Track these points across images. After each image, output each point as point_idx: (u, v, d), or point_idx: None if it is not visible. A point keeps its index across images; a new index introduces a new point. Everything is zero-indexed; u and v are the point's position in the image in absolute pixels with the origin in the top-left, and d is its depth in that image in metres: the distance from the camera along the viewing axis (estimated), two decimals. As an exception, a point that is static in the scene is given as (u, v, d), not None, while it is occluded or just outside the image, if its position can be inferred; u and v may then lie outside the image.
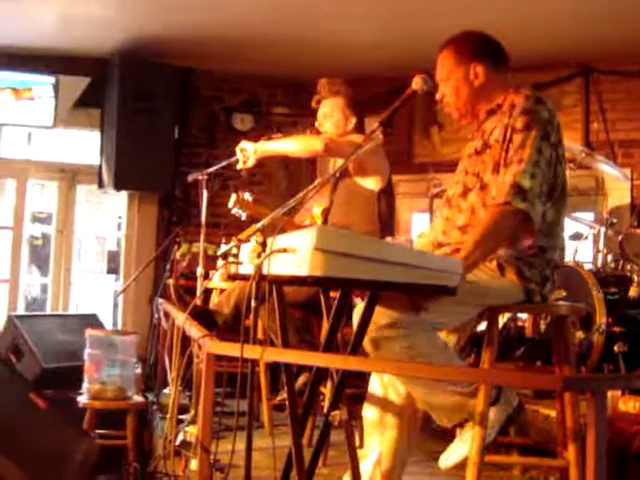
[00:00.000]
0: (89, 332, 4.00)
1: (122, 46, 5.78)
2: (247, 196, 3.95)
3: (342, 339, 2.75)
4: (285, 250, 2.08)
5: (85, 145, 6.42)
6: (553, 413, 2.92)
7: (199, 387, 3.03)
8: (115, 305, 6.49)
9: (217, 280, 4.33)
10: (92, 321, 4.97)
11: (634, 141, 5.62)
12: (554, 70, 5.76)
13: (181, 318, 3.07)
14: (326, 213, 3.92)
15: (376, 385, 2.63)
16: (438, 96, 2.74)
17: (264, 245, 2.16)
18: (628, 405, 3.31)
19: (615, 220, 4.55)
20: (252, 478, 2.25)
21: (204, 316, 3.78)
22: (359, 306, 2.32)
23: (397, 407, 2.58)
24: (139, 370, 4.47)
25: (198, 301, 3.92)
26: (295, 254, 2.04)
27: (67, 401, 4.01)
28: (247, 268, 2.31)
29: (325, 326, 2.76)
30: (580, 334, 3.81)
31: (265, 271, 2.15)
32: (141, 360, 4.73)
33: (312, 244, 1.95)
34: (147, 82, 5.86)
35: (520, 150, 2.44)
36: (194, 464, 3.00)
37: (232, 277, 3.01)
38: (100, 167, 6.06)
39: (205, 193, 4.13)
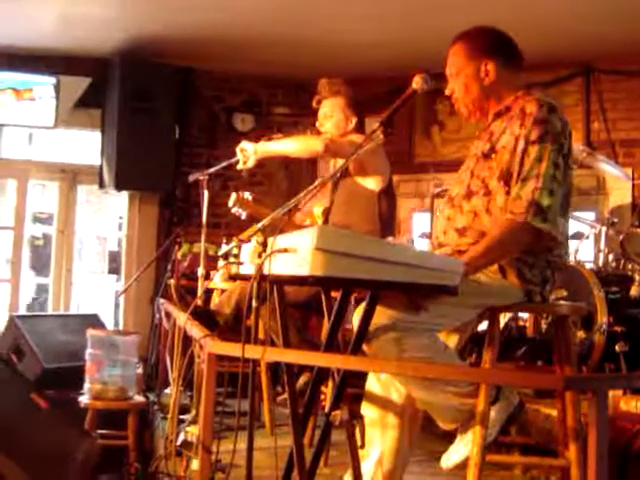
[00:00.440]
0: (90, 332, 4.00)
1: (123, 46, 5.78)
2: (247, 195, 3.95)
3: (343, 339, 2.76)
4: (286, 250, 2.08)
5: (86, 145, 6.43)
6: (554, 412, 2.92)
7: (200, 387, 3.04)
8: (116, 305, 6.50)
9: (218, 280, 4.33)
10: (93, 321, 4.97)
11: (635, 140, 5.62)
12: (555, 69, 5.76)
13: (182, 318, 3.07)
14: (327, 213, 3.92)
15: (375, 384, 2.62)
16: (447, 91, 2.70)
17: (265, 245, 2.16)
18: (629, 405, 3.31)
19: (616, 219, 4.55)
20: (253, 478, 2.25)
21: (205, 316, 3.78)
22: (360, 306, 2.31)
23: (398, 407, 2.57)
24: (140, 370, 4.47)
25: (199, 301, 3.92)
26: (296, 254, 2.04)
27: (68, 401, 4.01)
28: (248, 268, 2.31)
29: (326, 326, 2.76)
30: (581, 334, 3.81)
31: (266, 271, 2.15)
32: (142, 360, 4.73)
33: (313, 244, 1.96)
34: (148, 82, 5.86)
35: (537, 164, 2.41)
36: (195, 464, 3.00)
37: (233, 277, 3.01)
38: (101, 167, 6.07)
39: (206, 193, 4.13)
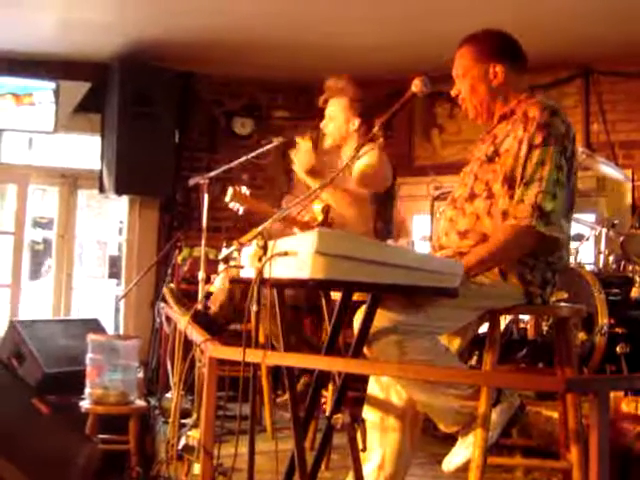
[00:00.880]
0: (91, 337, 4.00)
1: (122, 51, 5.79)
2: (244, 190, 3.93)
3: (344, 342, 2.75)
4: (286, 253, 2.09)
5: (86, 150, 6.43)
6: (555, 415, 2.92)
7: (201, 391, 3.03)
8: (117, 310, 6.50)
9: (218, 284, 4.33)
10: (94, 326, 4.97)
11: (635, 142, 5.62)
12: (554, 71, 5.77)
13: (183, 322, 3.07)
14: (326, 211, 3.91)
15: (375, 387, 2.62)
16: (453, 92, 2.71)
17: (265, 249, 2.16)
18: (631, 406, 3.31)
19: (616, 221, 4.55)
20: (255, 482, 2.25)
21: (206, 321, 3.78)
22: (360, 310, 2.31)
23: (399, 409, 2.57)
24: (141, 374, 4.47)
25: (199, 306, 3.91)
26: (296, 257, 2.04)
27: (69, 406, 4.00)
28: (248, 272, 2.31)
29: (327, 329, 2.76)
30: (582, 335, 3.81)
31: (266, 275, 2.15)
32: (143, 364, 4.73)
33: (313, 247, 1.96)
34: (147, 87, 5.87)
35: (540, 168, 2.42)
36: (197, 468, 3.00)
37: (233, 281, 3.01)
38: (101, 172, 6.07)
39: (206, 197, 4.12)
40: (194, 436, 3.21)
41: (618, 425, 3.06)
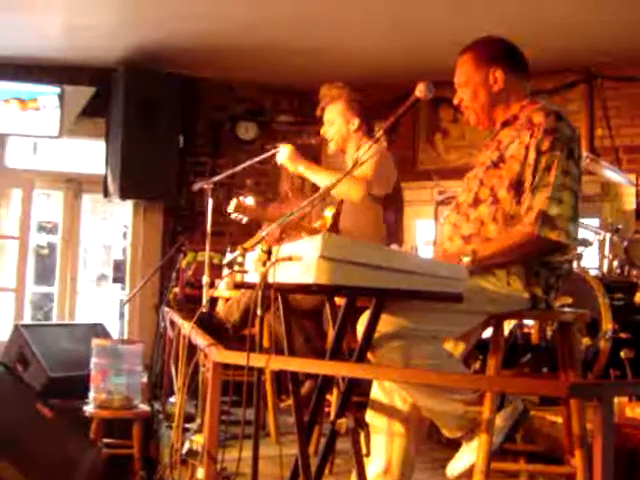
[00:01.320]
0: (95, 341, 4.01)
1: (127, 56, 5.80)
2: (249, 200, 3.94)
3: (348, 347, 2.75)
4: (290, 258, 2.09)
5: (90, 155, 6.44)
6: (560, 420, 2.91)
7: (205, 396, 3.04)
8: (121, 314, 6.50)
9: (223, 289, 4.34)
10: (98, 330, 4.98)
11: (639, 147, 5.62)
12: (558, 76, 5.77)
13: (187, 327, 3.07)
14: (336, 217, 3.91)
15: (379, 392, 2.62)
16: (456, 100, 2.72)
17: (269, 253, 2.17)
18: (635, 411, 3.30)
19: (620, 226, 4.54)
20: (259, 487, 2.25)
21: (213, 325, 3.79)
22: (364, 314, 2.32)
23: (403, 414, 2.57)
24: (145, 379, 4.47)
25: (204, 310, 3.92)
26: (301, 262, 2.05)
27: (73, 410, 4.01)
28: (253, 277, 2.31)
29: (331, 334, 2.76)
30: (586, 340, 3.80)
31: (271, 279, 2.16)
32: (147, 369, 4.73)
33: (318, 252, 1.96)
34: (152, 92, 5.89)
35: (546, 173, 2.44)
36: (201, 473, 3.00)
37: (238, 286, 3.01)
38: (105, 176, 6.09)
39: (210, 202, 4.13)
40: (198, 441, 3.21)
41: (622, 430, 3.06)
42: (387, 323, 2.28)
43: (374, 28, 5.20)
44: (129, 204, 6.38)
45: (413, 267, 2.10)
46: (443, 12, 4.87)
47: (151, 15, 5.12)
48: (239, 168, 4.14)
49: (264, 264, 2.16)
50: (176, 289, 5.11)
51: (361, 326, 2.32)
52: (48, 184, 6.37)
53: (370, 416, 2.61)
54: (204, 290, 4.11)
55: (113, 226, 6.87)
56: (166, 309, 4.46)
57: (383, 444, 2.57)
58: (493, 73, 2.64)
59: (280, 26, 5.26)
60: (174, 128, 6.12)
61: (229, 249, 4.86)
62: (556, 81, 5.78)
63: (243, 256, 2.38)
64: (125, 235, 6.70)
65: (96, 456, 3.33)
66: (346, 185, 3.61)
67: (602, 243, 4.52)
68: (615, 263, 4.44)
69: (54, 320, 6.21)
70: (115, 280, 6.89)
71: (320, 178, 3.75)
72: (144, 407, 4.05)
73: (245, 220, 3.95)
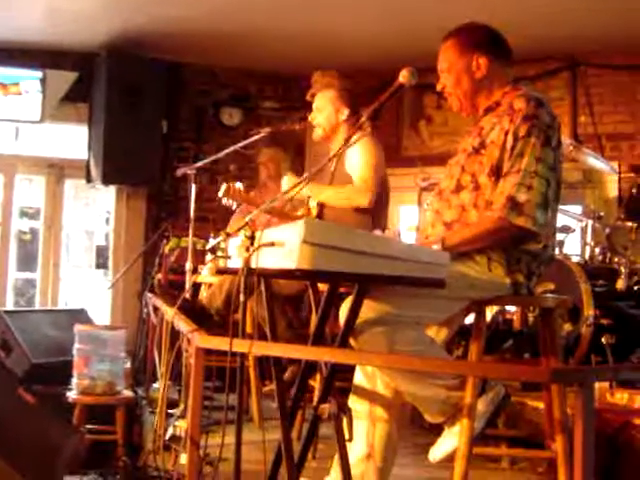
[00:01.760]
0: (78, 327, 3.99)
1: (109, 41, 5.76)
2: (238, 185, 3.93)
3: (331, 332, 2.76)
4: (273, 244, 2.09)
5: (73, 140, 6.40)
6: (541, 405, 2.94)
7: (188, 381, 3.04)
8: (104, 300, 6.48)
9: (206, 274, 4.33)
10: (81, 316, 4.95)
11: (621, 134, 5.65)
12: (541, 63, 5.78)
13: (170, 312, 3.07)
14: (322, 205, 3.91)
15: (362, 377, 2.63)
16: (439, 87, 2.72)
17: (252, 239, 2.16)
18: (616, 397, 3.33)
19: (602, 213, 4.57)
20: (242, 472, 2.26)
21: (196, 310, 3.78)
22: (346, 300, 2.32)
23: (385, 399, 2.58)
24: (128, 365, 4.46)
25: (187, 295, 3.91)
26: (283, 247, 2.04)
27: (56, 396, 3.99)
28: (236, 262, 2.31)
29: (314, 319, 2.77)
30: (568, 326, 3.83)
31: (253, 265, 2.16)
32: (130, 355, 4.72)
33: (300, 237, 1.96)
34: (135, 77, 5.85)
35: (519, 159, 2.45)
36: (184, 458, 3.00)
37: (221, 271, 3.01)
38: (88, 162, 6.06)
39: (194, 187, 4.12)
40: (181, 426, 3.22)
41: (603, 415, 3.08)
42: (370, 309, 2.28)
43: (361, 14, 5.19)
44: (112, 189, 6.35)
45: (396, 253, 2.10)
46: (428, 1, 4.88)
47: (134, 0, 5.08)
48: (222, 154, 4.13)
49: (247, 249, 2.16)
50: (159, 275, 5.09)
51: (343, 312, 2.33)
52: (30, 169, 6.32)
53: (352, 401, 2.62)
54: (187, 276, 4.10)
55: (96, 212, 6.83)
56: (149, 295, 4.44)
57: (365, 429, 2.59)
58: (476, 59, 2.64)
59: (265, 11, 5.23)
60: (157, 113, 6.08)
61: (212, 234, 4.85)
62: (539, 68, 5.79)
63: (226, 241, 2.38)
64: (108, 221, 6.67)
65: (79, 442, 3.32)
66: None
67: (584, 230, 4.55)
68: (597, 250, 4.47)
69: (37, 306, 6.18)
70: (98, 266, 6.85)
71: (327, 196, 3.74)
72: (127, 393, 4.03)
73: (235, 205, 3.94)
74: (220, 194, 3.84)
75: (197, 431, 2.65)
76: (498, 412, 2.50)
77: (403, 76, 2.55)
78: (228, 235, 2.37)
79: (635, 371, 2.50)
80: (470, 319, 2.60)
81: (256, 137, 4.06)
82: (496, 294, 2.51)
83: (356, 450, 2.59)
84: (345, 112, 3.90)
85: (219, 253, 3.71)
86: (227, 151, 4.11)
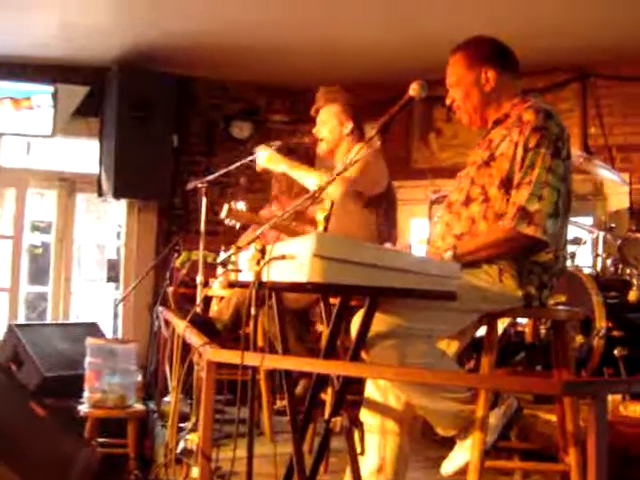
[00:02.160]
0: (89, 341, 4.00)
1: (121, 55, 5.79)
2: (240, 205, 3.95)
3: (343, 345, 2.76)
4: (284, 257, 2.09)
5: (84, 154, 6.43)
6: (554, 418, 2.92)
7: (200, 395, 3.04)
8: (115, 313, 6.50)
9: (217, 288, 4.33)
10: (93, 330, 4.97)
11: (632, 145, 5.63)
12: (551, 75, 5.78)
13: (181, 326, 3.07)
14: (328, 219, 3.92)
15: (374, 391, 2.63)
16: (448, 101, 2.74)
17: (263, 252, 2.17)
18: (629, 409, 3.31)
19: (614, 224, 4.56)
20: (253, 485, 2.25)
21: (204, 324, 3.78)
22: (358, 313, 2.32)
23: (397, 413, 2.58)
24: (140, 378, 4.47)
25: (198, 309, 3.92)
26: (294, 261, 2.05)
27: (68, 410, 4.00)
28: (246, 275, 2.31)
29: (325, 333, 2.77)
30: (580, 338, 3.82)
31: (264, 278, 2.16)
32: (142, 368, 4.73)
33: (311, 251, 1.96)
34: (146, 91, 5.88)
35: (529, 170, 2.46)
36: (195, 472, 3.00)
37: (232, 285, 3.01)
38: (99, 176, 6.08)
39: (204, 201, 4.13)
40: (192, 440, 3.21)
41: (616, 428, 3.07)
42: (381, 322, 2.28)
43: (368, 28, 5.20)
44: (123, 203, 6.37)
45: (406, 265, 2.10)
46: (437, 11, 4.87)
47: (145, 14, 5.11)
48: (233, 167, 4.14)
49: (258, 263, 2.16)
50: (170, 288, 5.10)
51: (355, 325, 2.33)
52: (42, 183, 6.35)
53: (364, 414, 2.62)
54: (198, 289, 4.10)
55: (107, 225, 6.86)
56: (160, 308, 4.45)
57: (377, 442, 2.58)
58: (485, 73, 2.65)
59: (274, 26, 5.25)
60: (168, 127, 6.11)
61: (223, 248, 4.86)
62: (548, 80, 5.79)
63: (237, 255, 2.38)
64: (119, 234, 6.69)
65: (91, 455, 3.33)
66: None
67: (595, 241, 4.53)
68: (609, 261, 4.45)
69: (48, 320, 6.20)
70: (109, 279, 6.88)
71: (302, 176, 3.76)
72: (138, 406, 4.04)
73: (238, 225, 3.96)
74: (222, 215, 3.86)
75: (208, 444, 2.65)
76: (510, 425, 2.49)
77: (413, 89, 2.56)
78: (239, 249, 2.37)
79: (648, 383, 2.48)
80: (482, 332, 2.59)
81: (251, 157, 4.07)
82: (508, 306, 2.51)
83: (368, 463, 2.58)
84: (349, 126, 3.92)
85: (230, 266, 3.72)
86: (237, 164, 4.12)
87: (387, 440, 2.58)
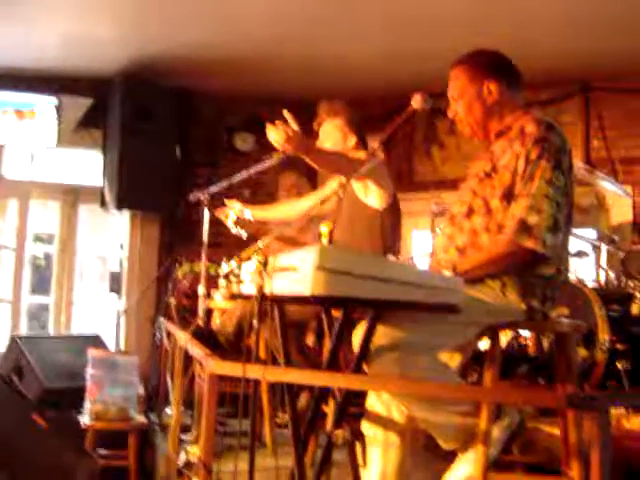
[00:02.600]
0: (91, 352, 4.00)
1: (124, 67, 5.81)
2: (248, 215, 3.94)
3: (345, 358, 2.75)
4: (287, 269, 2.09)
5: (87, 165, 6.44)
6: (557, 431, 2.91)
7: (201, 407, 3.03)
8: (117, 325, 6.48)
9: (219, 299, 4.33)
10: (95, 341, 4.97)
11: (634, 158, 5.63)
12: (553, 88, 5.79)
13: (183, 338, 3.07)
14: (332, 232, 3.91)
15: (376, 403, 2.62)
16: (450, 114, 2.74)
17: (266, 264, 2.17)
18: (632, 423, 3.30)
19: (617, 237, 4.55)
20: (255, 498, 2.24)
21: (207, 336, 3.78)
22: (360, 326, 2.31)
23: (400, 426, 2.57)
24: (141, 390, 4.46)
25: (200, 321, 3.91)
26: (297, 273, 2.04)
27: (69, 421, 4.00)
28: (249, 287, 2.31)
29: (327, 345, 2.76)
30: (583, 351, 3.80)
31: (267, 290, 2.16)
32: (143, 380, 4.72)
33: (314, 263, 1.96)
34: (149, 102, 5.90)
35: (529, 182, 2.46)
36: (196, 484, 2.98)
37: (234, 296, 3.00)
38: (102, 187, 6.09)
39: (207, 213, 4.13)
40: (194, 452, 3.20)
41: (619, 442, 3.05)
42: (383, 335, 2.27)
43: (371, 40, 5.22)
44: (126, 215, 6.37)
45: (409, 278, 2.10)
46: (439, 25, 4.89)
47: (149, 27, 5.13)
48: (236, 179, 4.14)
49: (260, 275, 2.16)
50: (172, 300, 5.10)
51: (357, 337, 2.32)
52: (45, 194, 6.36)
53: (365, 427, 2.61)
54: (200, 301, 4.10)
55: (110, 237, 6.86)
56: (162, 320, 4.45)
57: (379, 455, 2.57)
58: (487, 85, 2.65)
59: (278, 38, 5.27)
60: (171, 139, 6.12)
61: (225, 260, 4.85)
62: (551, 93, 5.80)
63: (239, 267, 2.38)
64: (122, 246, 6.69)
65: (92, 467, 3.32)
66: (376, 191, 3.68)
67: (598, 254, 4.53)
68: (612, 274, 4.44)
69: (50, 331, 6.20)
70: (111, 291, 6.87)
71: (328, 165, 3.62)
72: (140, 418, 4.04)
73: (246, 235, 3.96)
74: (229, 224, 3.86)
75: (210, 457, 2.64)
76: (513, 438, 2.49)
77: (416, 101, 2.57)
78: (241, 260, 2.37)
79: (651, 397, 2.48)
80: (484, 344, 2.58)
81: (270, 162, 4.07)
82: (511, 319, 2.50)
83: (369, 476, 2.57)
84: (353, 140, 3.92)
85: (232, 278, 3.72)
86: (240, 176, 4.13)
87: (389, 453, 2.57)
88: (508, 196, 2.50)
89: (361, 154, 3.84)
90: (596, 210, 5.48)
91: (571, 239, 2.68)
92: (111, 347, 5.66)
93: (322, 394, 2.43)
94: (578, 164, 4.73)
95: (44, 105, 5.95)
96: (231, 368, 2.42)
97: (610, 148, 5.69)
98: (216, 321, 4.36)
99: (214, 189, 4.21)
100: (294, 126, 3.22)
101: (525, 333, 3.93)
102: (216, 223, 4.30)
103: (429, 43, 5.13)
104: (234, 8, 4.83)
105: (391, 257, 2.86)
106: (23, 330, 6.09)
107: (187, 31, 5.16)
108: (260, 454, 3.59)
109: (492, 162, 2.59)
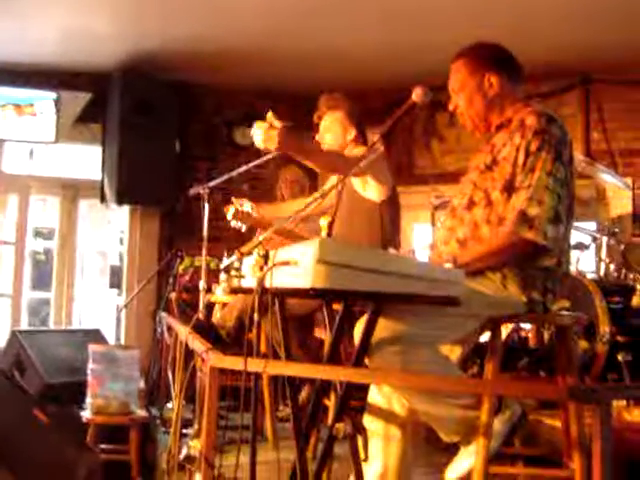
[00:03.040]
0: (92, 347, 3.99)
1: (123, 61, 5.80)
2: (247, 207, 3.94)
3: (345, 351, 2.75)
4: (287, 263, 2.08)
5: (87, 160, 6.44)
6: (558, 423, 2.91)
7: (202, 401, 3.03)
8: (118, 320, 6.49)
9: (220, 294, 4.33)
10: (95, 336, 4.96)
11: (635, 150, 5.63)
12: (553, 80, 5.78)
13: (184, 332, 3.07)
14: (331, 225, 3.91)
15: (378, 396, 2.62)
16: (451, 107, 2.73)
17: (266, 258, 2.16)
18: (633, 415, 3.30)
19: (617, 229, 4.55)
20: (256, 492, 2.25)
21: (207, 331, 3.78)
22: (361, 319, 2.31)
23: (401, 419, 2.57)
24: (142, 384, 4.46)
25: (201, 315, 3.92)
26: (298, 266, 2.04)
27: (70, 416, 3.99)
28: (249, 281, 2.31)
29: (328, 338, 2.76)
30: (584, 344, 3.81)
31: (267, 284, 2.15)
32: (144, 374, 4.72)
33: (314, 256, 1.96)
34: (148, 97, 5.89)
35: (530, 174, 2.45)
36: (198, 478, 2.99)
37: (234, 291, 3.01)
38: (102, 182, 6.08)
39: (207, 207, 4.13)
40: (195, 446, 3.20)
41: (621, 434, 3.05)
42: (384, 328, 2.27)
43: (370, 33, 5.21)
44: (125, 209, 6.37)
45: (410, 271, 2.09)
46: (439, 18, 4.88)
47: (148, 21, 5.12)
48: (235, 173, 4.14)
49: (261, 269, 2.16)
50: (173, 294, 5.10)
51: (358, 331, 2.32)
52: (44, 190, 6.36)
53: (367, 420, 2.61)
54: (201, 295, 4.10)
55: (110, 231, 6.86)
56: (163, 314, 4.45)
57: (380, 448, 2.57)
58: (488, 78, 2.65)
59: (277, 32, 5.26)
60: (171, 133, 6.12)
61: (226, 254, 4.86)
62: (551, 84, 5.79)
63: (240, 261, 2.38)
64: (122, 240, 6.69)
65: (93, 462, 3.32)
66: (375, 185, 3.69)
67: (599, 247, 4.53)
68: (612, 266, 4.44)
69: (51, 326, 6.20)
70: (112, 286, 6.87)
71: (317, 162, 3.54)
72: (141, 413, 4.03)
73: (244, 228, 3.96)
74: (229, 217, 3.86)
75: (211, 451, 2.64)
76: (515, 431, 2.49)
77: (416, 94, 2.56)
78: (242, 254, 2.37)
79: (653, 389, 2.48)
80: (485, 337, 2.58)
81: (268, 156, 4.07)
82: (512, 312, 2.50)
83: (371, 470, 2.57)
84: (352, 132, 3.92)
85: (233, 272, 3.72)
86: (240, 170, 4.13)
87: (390, 446, 2.57)
88: (509, 188, 2.50)
89: (360, 149, 3.84)
90: (596, 202, 5.48)
91: (572, 231, 2.68)
92: (111, 341, 5.67)
93: (323, 387, 2.43)
94: (578, 156, 4.73)
95: (43, 100, 5.94)
96: (232, 362, 2.42)
97: (610, 140, 5.68)
98: (217, 315, 4.37)
99: (213, 183, 4.21)
100: (277, 124, 3.10)
101: (526, 325, 3.93)
102: (216, 217, 4.30)
103: (429, 35, 5.13)
104: (231, 1, 4.82)
105: (391, 250, 2.85)
106: (24, 325, 6.09)
107: (185, 25, 5.15)
108: (261, 448, 3.60)
109: (493, 154, 2.59)
